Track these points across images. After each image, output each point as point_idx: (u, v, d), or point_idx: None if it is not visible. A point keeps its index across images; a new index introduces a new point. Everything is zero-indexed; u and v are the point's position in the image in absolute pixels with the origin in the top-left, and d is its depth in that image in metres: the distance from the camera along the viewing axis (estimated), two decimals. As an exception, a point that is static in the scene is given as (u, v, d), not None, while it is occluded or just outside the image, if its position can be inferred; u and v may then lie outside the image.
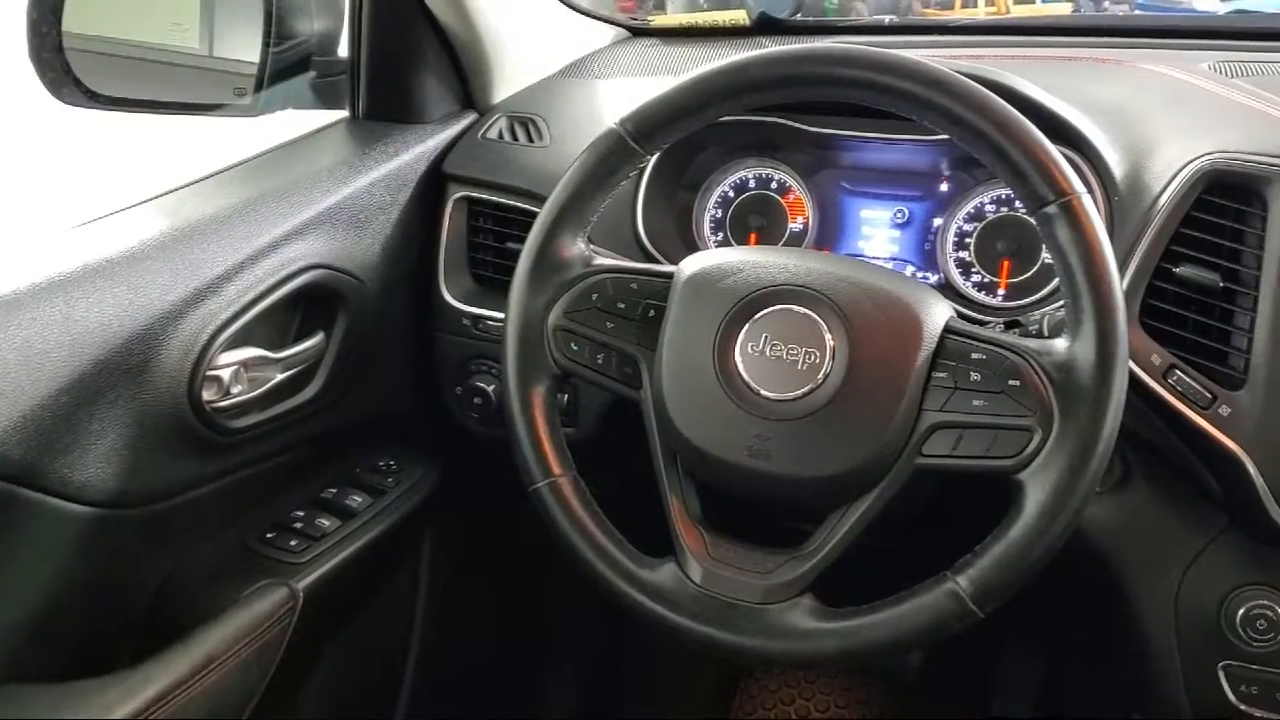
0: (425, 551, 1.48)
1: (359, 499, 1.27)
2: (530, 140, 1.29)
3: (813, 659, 0.88)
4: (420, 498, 1.34)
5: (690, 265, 0.95)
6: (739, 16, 1.49)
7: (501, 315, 0.97)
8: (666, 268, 0.97)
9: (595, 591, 0.93)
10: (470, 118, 1.36)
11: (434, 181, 1.29)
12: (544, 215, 0.96)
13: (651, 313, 0.95)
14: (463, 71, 1.36)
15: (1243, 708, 1.00)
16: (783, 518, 1.11)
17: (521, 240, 0.97)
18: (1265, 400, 0.92)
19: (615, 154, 0.94)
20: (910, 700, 1.74)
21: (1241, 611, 0.98)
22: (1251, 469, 0.92)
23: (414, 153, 1.28)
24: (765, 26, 1.48)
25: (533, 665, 1.72)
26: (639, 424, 0.95)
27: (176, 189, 1.15)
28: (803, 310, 0.90)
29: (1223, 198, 0.96)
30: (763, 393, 0.89)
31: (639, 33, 1.58)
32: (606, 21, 1.57)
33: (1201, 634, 1.00)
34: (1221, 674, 1.00)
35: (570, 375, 0.96)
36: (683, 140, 0.99)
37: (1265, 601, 0.97)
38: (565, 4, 1.50)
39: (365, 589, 1.38)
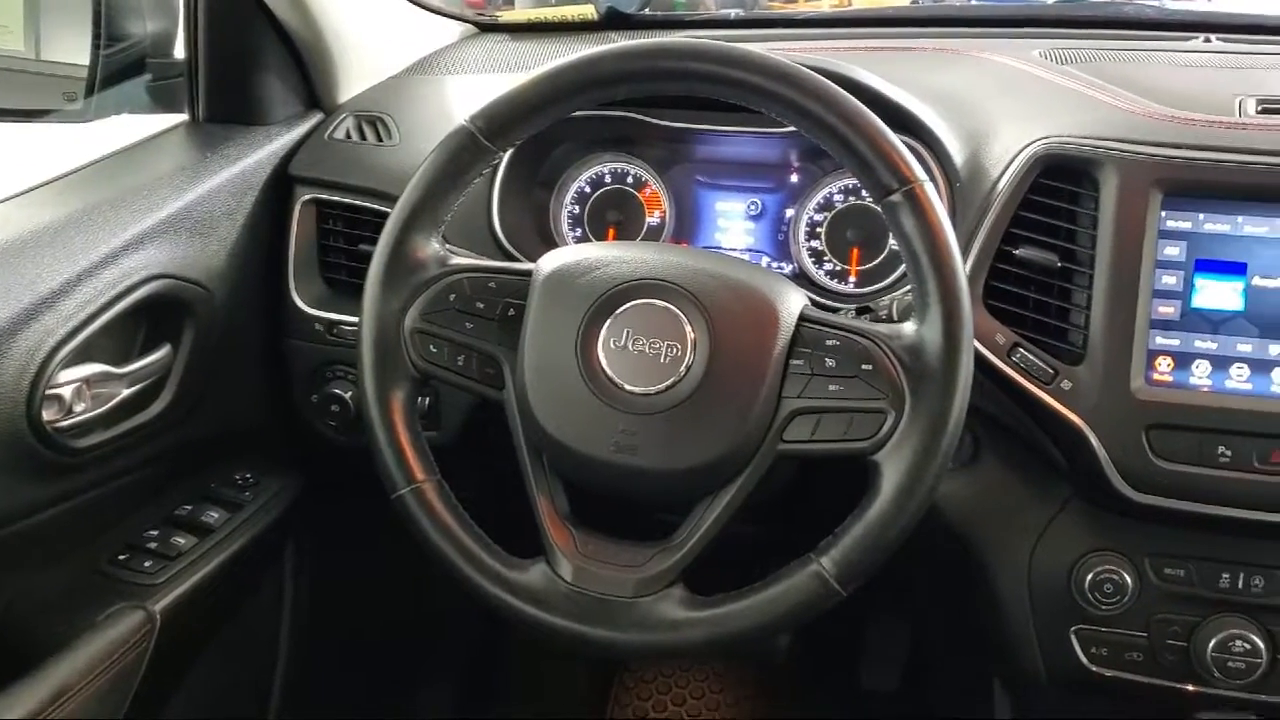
0: (289, 564, 1.44)
1: (216, 515, 1.23)
2: (379, 139, 1.27)
3: (683, 649, 0.89)
4: (281, 510, 1.30)
5: (549, 262, 0.95)
6: (587, 11, 1.48)
7: (356, 320, 0.95)
8: (525, 265, 0.97)
9: (465, 596, 0.92)
10: (316, 118, 1.33)
11: (280, 184, 1.25)
12: (396, 215, 0.94)
13: (511, 311, 0.94)
14: (306, 70, 1.32)
15: (1094, 669, 1.04)
16: (652, 511, 1.12)
17: (374, 242, 0.95)
18: (1103, 373, 0.96)
19: (466, 151, 0.93)
20: (782, 680, 1.78)
21: (1090, 577, 1.02)
22: (1093, 439, 0.96)
23: (258, 155, 1.24)
24: (614, 21, 1.48)
25: (406, 668, 1.70)
26: (504, 424, 0.94)
27: (4, 200, 1.09)
28: (663, 304, 0.91)
29: (1057, 180, 1.00)
30: (626, 387, 0.89)
31: (487, 28, 1.57)
32: (453, 18, 1.55)
33: (1053, 600, 1.04)
34: (1074, 637, 1.05)
35: (430, 378, 0.94)
36: (536, 136, 0.98)
37: (1111, 567, 1.02)
38: (411, 0, 1.47)
39: (227, 607, 1.33)
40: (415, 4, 1.48)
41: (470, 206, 1.14)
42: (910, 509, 0.84)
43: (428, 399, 1.19)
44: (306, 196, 1.25)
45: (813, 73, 0.88)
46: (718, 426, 0.88)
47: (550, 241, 1.25)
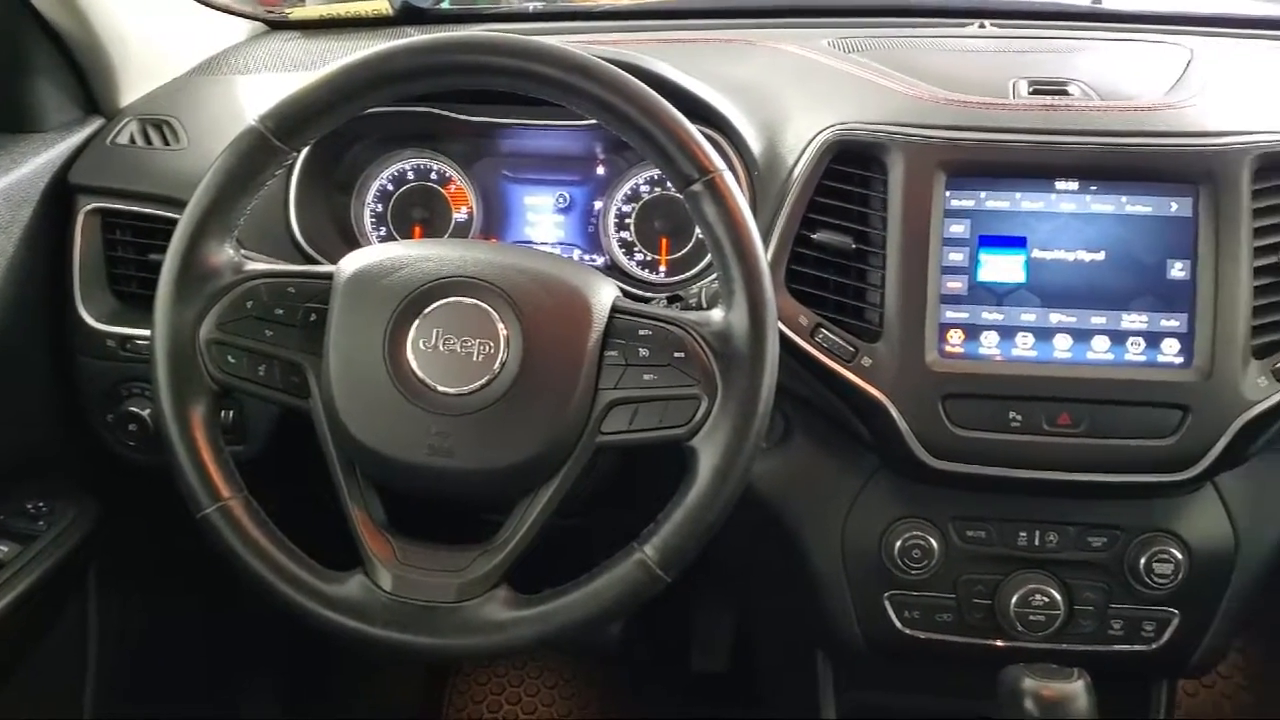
0: (93, 592, 1.36)
1: (6, 548, 1.15)
2: (166, 143, 1.21)
3: (511, 648, 0.89)
4: (79, 537, 1.23)
5: (350, 263, 0.92)
6: (381, 6, 1.45)
7: (149, 333, 0.90)
8: (326, 268, 0.94)
9: (282, 614, 0.89)
10: (96, 123, 1.25)
11: (60, 194, 1.18)
12: (185, 222, 0.90)
13: (313, 316, 0.91)
14: (82, 73, 1.25)
15: (908, 632, 1.09)
16: (473, 512, 1.11)
17: (164, 251, 0.91)
18: (900, 349, 1.00)
19: (257, 152, 0.89)
20: (615, 670, 1.79)
21: (899, 544, 1.07)
22: (894, 412, 1.00)
23: (33, 164, 1.16)
24: (410, 16, 1.45)
25: (232, 679, 1.63)
26: (313, 434, 0.92)
27: None
28: (473, 301, 0.90)
29: (848, 165, 1.04)
30: (439, 389, 0.88)
31: (277, 26, 1.51)
32: (241, 15, 1.49)
33: (866, 568, 1.08)
34: (887, 603, 1.09)
35: (230, 390, 0.91)
36: (333, 134, 0.96)
37: (918, 533, 1.07)
38: (194, -3, 1.41)
39: (25, 642, 1.25)
40: (200, 1, 1.42)
41: (266, 209, 1.10)
42: (727, 491, 0.86)
43: (231, 412, 1.14)
44: (89, 206, 1.18)
45: (610, 65, 0.89)
46: (535, 422, 0.87)
47: (353, 243, 1.22)
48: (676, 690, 1.75)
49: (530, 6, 1.58)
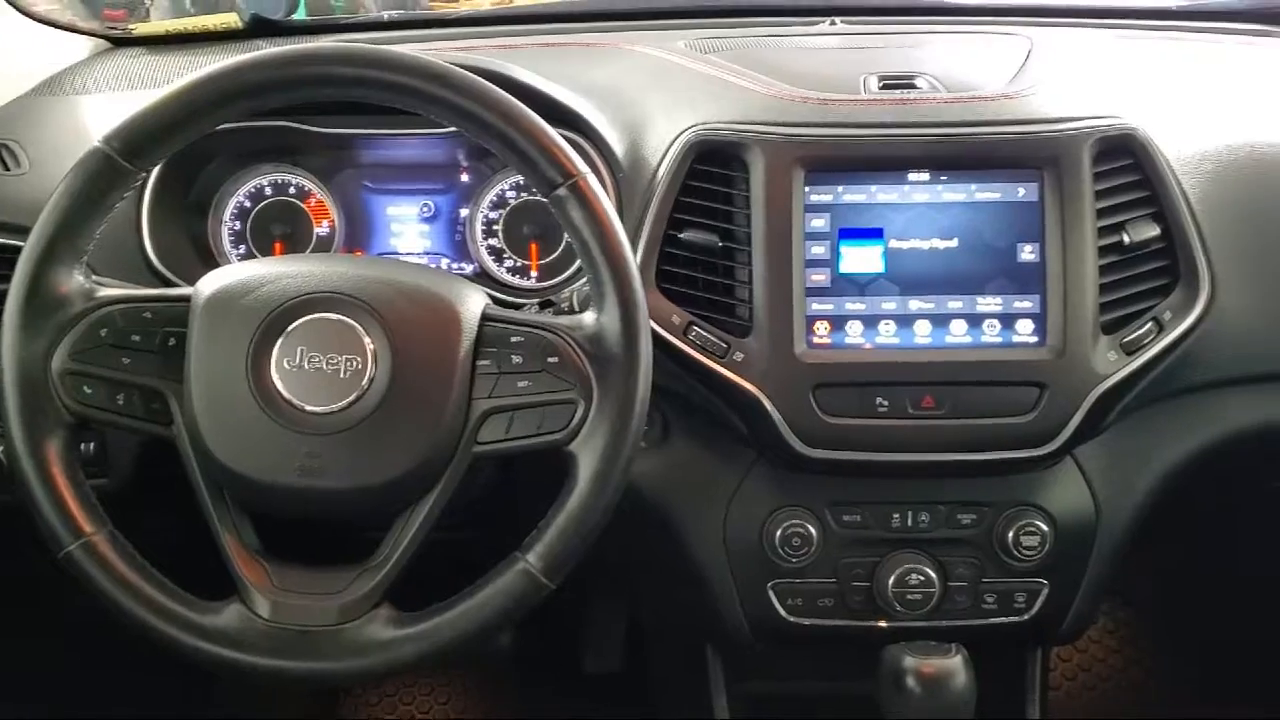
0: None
1: None
2: (6, 168, 1.16)
3: (396, 668, 0.88)
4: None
5: (209, 284, 0.90)
6: (230, 20, 1.41)
7: None
8: (183, 290, 0.91)
9: (155, 649, 0.86)
10: (-71, 150, 1.19)
11: None
12: (30, 249, 0.86)
13: (172, 341, 0.88)
14: (-93, 97, 1.19)
15: (792, 619, 1.11)
16: (351, 531, 1.09)
17: (9, 280, 0.87)
18: (770, 342, 1.02)
19: (103, 174, 0.86)
20: (507, 677, 1.78)
21: (779, 533, 1.08)
22: (767, 404, 1.02)
23: None
24: (260, 28, 1.42)
25: (119, 687, 1.57)
26: (180, 462, 0.89)
27: None
28: (338, 317, 0.88)
29: (711, 165, 1.05)
30: (307, 408, 0.86)
31: (121, 43, 1.46)
32: (82, 32, 1.43)
33: (749, 559, 1.10)
34: (771, 592, 1.11)
35: (88, 422, 0.87)
36: (185, 152, 0.94)
37: (796, 521, 1.09)
38: (26, 14, 1.35)
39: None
40: (35, 19, 1.36)
41: (117, 232, 1.06)
42: (608, 494, 0.86)
43: (91, 444, 1.10)
44: None
45: (467, 72, 0.88)
46: (408, 437, 0.86)
47: (212, 263, 1.19)
48: (569, 693, 1.75)
49: (386, 15, 1.57)
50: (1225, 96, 1.23)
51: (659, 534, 1.13)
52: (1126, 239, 1.03)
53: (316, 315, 0.88)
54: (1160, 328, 1.03)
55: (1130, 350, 1.02)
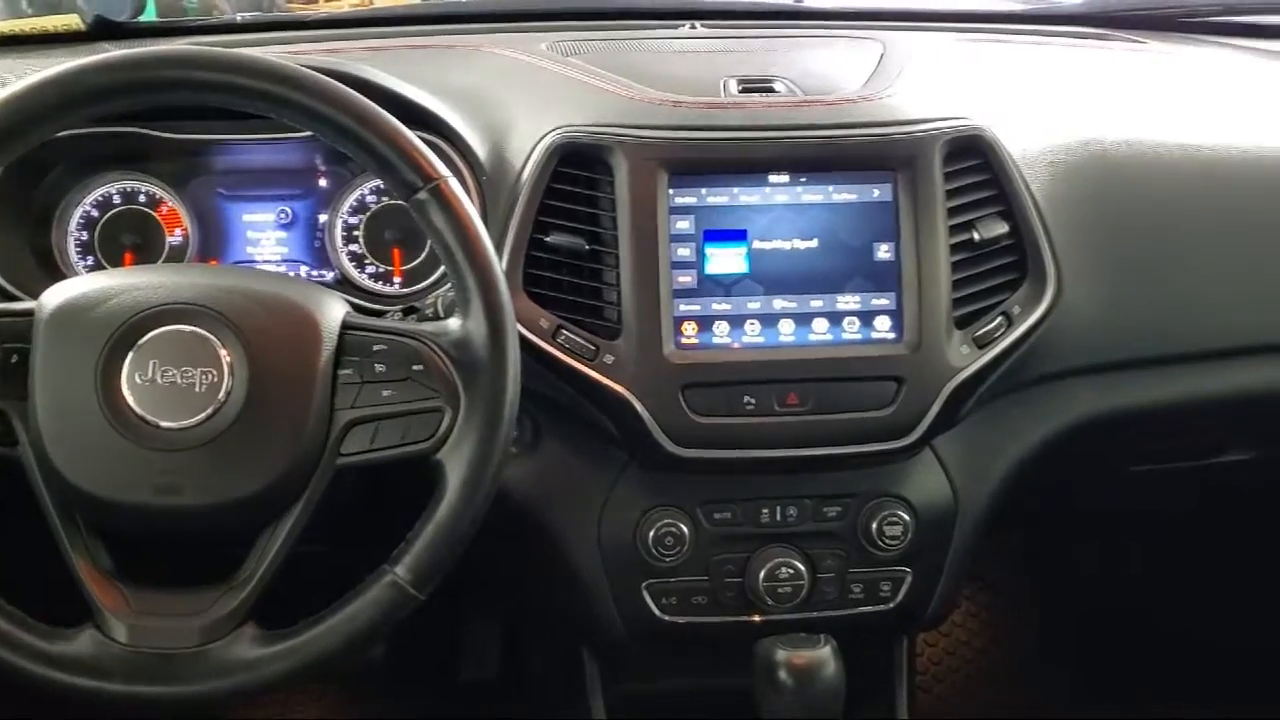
0: None
1: None
2: None
3: (265, 685, 0.86)
4: None
5: (53, 297, 0.86)
6: (72, 21, 1.35)
7: None
8: (25, 304, 0.88)
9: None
10: None
11: None
12: None
13: (14, 358, 0.85)
14: None
15: (667, 618, 1.12)
16: (212, 549, 1.06)
17: None
18: (639, 344, 1.03)
19: None
20: (381, 688, 1.76)
21: (652, 533, 1.09)
22: (637, 405, 1.03)
23: None
24: (105, 30, 1.36)
25: None
26: (25, 484, 0.85)
27: None
28: (191, 329, 0.86)
29: (575, 168, 1.05)
30: (161, 424, 0.84)
31: (-50, 45, 1.39)
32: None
33: (623, 560, 1.10)
34: (645, 592, 1.11)
35: None
36: (24, 159, 0.90)
37: (669, 520, 1.09)
38: None
39: None
40: None
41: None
42: (477, 502, 0.86)
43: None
44: None
45: (320, 75, 0.87)
46: (269, 451, 0.85)
47: (59, 275, 1.13)
48: (447, 701, 1.73)
49: (239, 17, 1.52)
50: (1067, 97, 1.28)
51: (532, 539, 1.13)
52: (977, 236, 1.06)
53: (169, 328, 0.85)
54: (1010, 321, 1.07)
55: (982, 344, 1.06)
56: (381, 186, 1.18)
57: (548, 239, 1.04)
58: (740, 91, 1.13)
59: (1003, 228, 1.07)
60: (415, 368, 0.87)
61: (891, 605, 1.14)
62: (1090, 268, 1.12)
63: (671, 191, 1.05)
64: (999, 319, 1.07)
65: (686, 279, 1.05)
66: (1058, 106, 1.24)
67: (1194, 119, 1.27)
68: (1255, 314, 1.19)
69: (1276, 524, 1.71)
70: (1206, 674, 1.81)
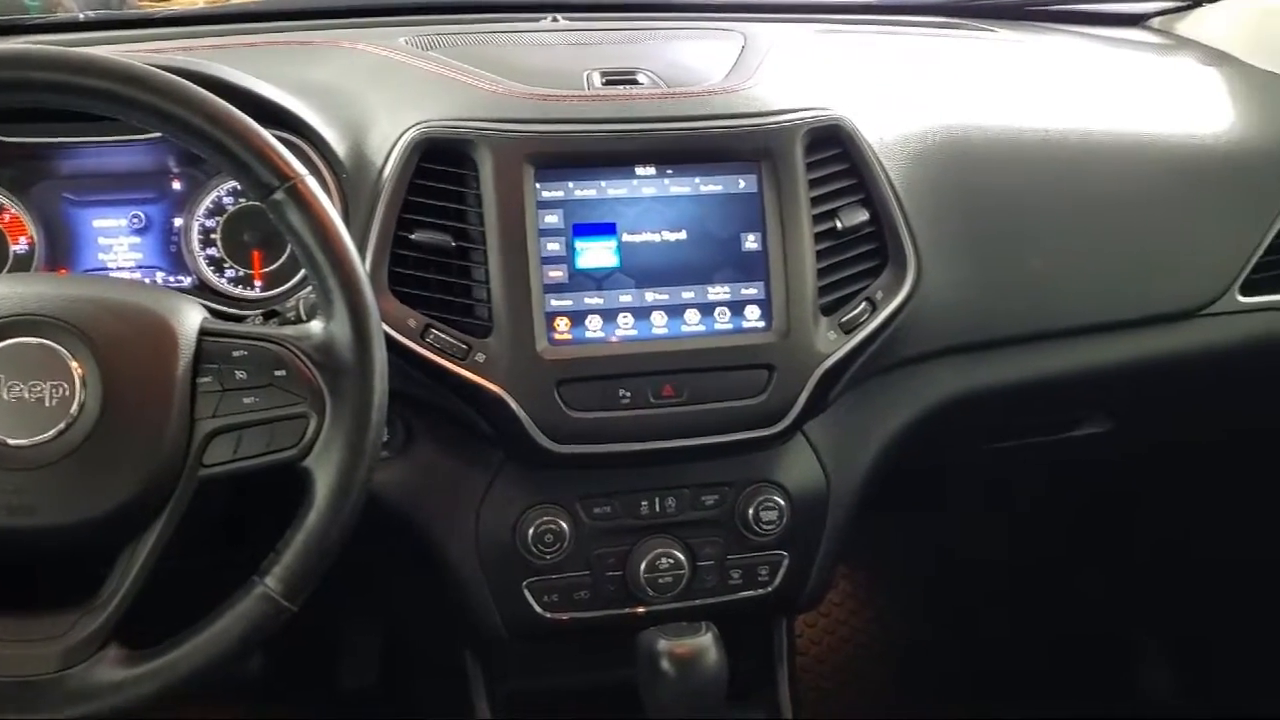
0: None
1: None
2: None
3: (134, 706, 0.83)
4: None
5: None
6: (-101, 19, 1.28)
7: None
8: None
9: None
10: None
11: None
12: None
13: None
14: None
15: (549, 615, 1.11)
16: (72, 569, 1.02)
17: None
18: (511, 341, 1.02)
19: None
20: (260, 700, 1.71)
21: (531, 531, 1.08)
22: (512, 403, 1.02)
23: None
24: (-67, 28, 1.29)
25: None
26: None
27: None
28: (39, 341, 0.82)
29: (438, 164, 1.04)
30: (9, 442, 0.80)
31: None
32: None
33: (503, 560, 1.10)
34: (527, 591, 1.11)
35: None
36: None
37: (548, 517, 1.09)
38: None
39: None
40: None
41: None
42: (347, 508, 0.84)
43: None
44: None
45: (168, 74, 0.84)
46: (126, 465, 0.82)
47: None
48: (328, 710, 1.70)
49: (84, 15, 1.46)
50: (923, 86, 1.32)
51: (409, 542, 1.11)
52: (839, 225, 1.08)
53: (15, 340, 0.81)
54: (874, 307, 1.10)
55: (848, 329, 1.08)
56: (237, 188, 1.14)
57: (413, 237, 1.02)
58: (604, 84, 1.13)
59: (863, 215, 1.09)
60: (278, 373, 0.85)
61: (770, 589, 1.16)
62: (948, 253, 1.16)
63: (538, 186, 1.04)
64: (863, 305, 1.10)
65: (557, 274, 1.05)
66: (914, 96, 1.28)
67: (1043, 104, 1.32)
68: (1105, 292, 1.24)
69: (1132, 496, 1.80)
70: (1070, 643, 1.89)
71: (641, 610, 1.13)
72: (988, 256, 1.19)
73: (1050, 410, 1.41)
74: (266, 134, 0.85)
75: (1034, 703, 1.78)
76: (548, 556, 1.09)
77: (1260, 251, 1.27)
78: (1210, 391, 1.44)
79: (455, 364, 1.02)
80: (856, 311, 1.09)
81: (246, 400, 0.84)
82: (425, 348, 1.01)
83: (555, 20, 1.39)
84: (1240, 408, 1.53)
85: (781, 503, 1.13)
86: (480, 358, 1.02)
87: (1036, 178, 1.25)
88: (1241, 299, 1.27)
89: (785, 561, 1.16)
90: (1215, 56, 1.51)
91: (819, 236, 1.08)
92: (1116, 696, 1.86)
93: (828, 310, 1.08)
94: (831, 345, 1.07)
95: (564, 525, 1.09)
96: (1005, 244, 1.21)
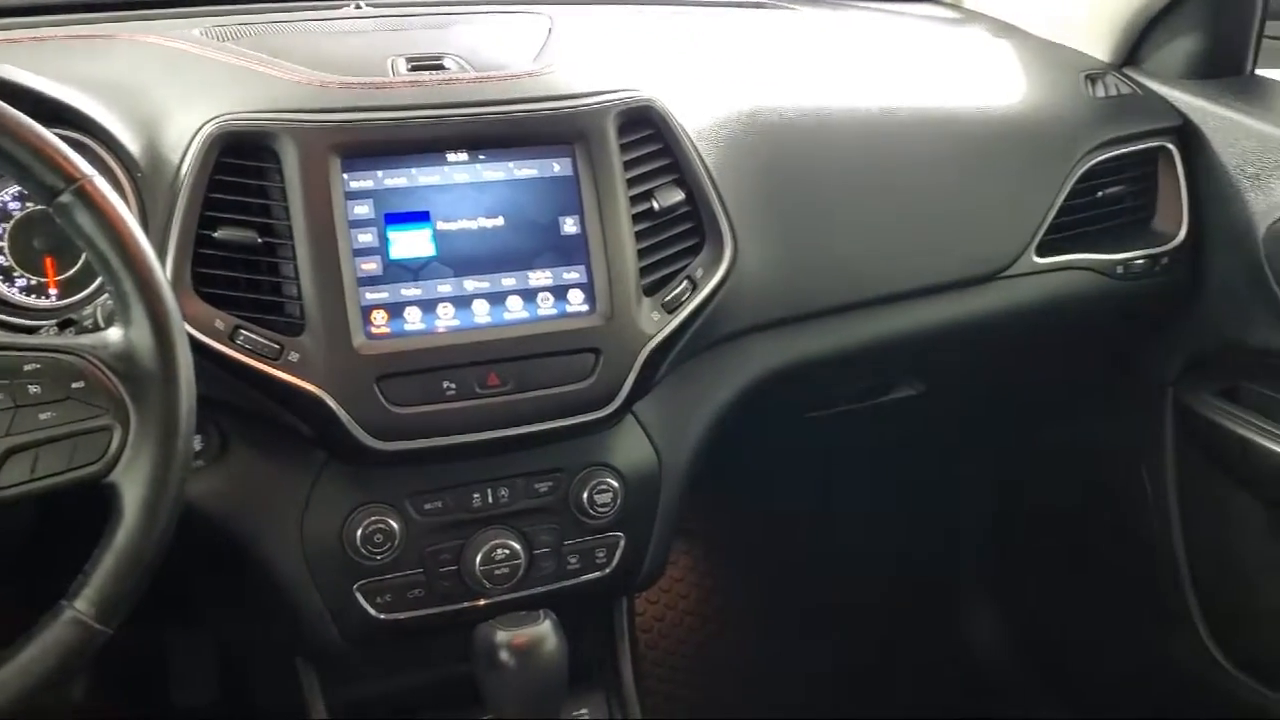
0: None
1: None
2: None
3: None
4: None
5: None
6: None
7: None
8: None
9: None
10: None
11: None
12: None
13: None
14: None
15: (384, 617, 1.09)
16: None
17: None
18: (326, 338, 0.99)
19: None
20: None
21: (359, 532, 1.05)
22: (331, 402, 0.99)
23: None
24: None
25: None
26: None
27: None
28: None
29: (240, 158, 1.00)
30: None
31: None
32: None
33: (332, 564, 1.06)
34: (359, 594, 1.08)
35: None
36: None
37: (377, 517, 1.06)
38: None
39: None
40: None
41: None
42: (159, 523, 0.80)
43: None
44: None
45: None
46: (-92, 491, 0.75)
47: None
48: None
49: None
50: (732, 66, 1.34)
51: (231, 553, 1.07)
52: (656, 205, 1.09)
53: None
54: (694, 285, 1.11)
55: (671, 309, 1.09)
56: (22, 192, 1.07)
57: (216, 235, 0.98)
58: (410, 70, 1.11)
59: (679, 195, 1.10)
60: (75, 385, 0.80)
61: (608, 570, 1.16)
62: (761, 230, 1.18)
63: (346, 176, 1.01)
64: (684, 283, 1.11)
65: (371, 266, 1.02)
66: (724, 76, 1.30)
67: (846, 81, 1.36)
68: (911, 261, 1.29)
69: (951, 452, 1.88)
70: (899, 589, 1.97)
71: (480, 603, 1.12)
72: (799, 232, 1.22)
73: (865, 376, 1.46)
74: (49, 134, 0.80)
75: (868, 650, 1.86)
76: (379, 557, 1.07)
77: (1052, 214, 1.34)
78: (1014, 350, 1.51)
79: (268, 365, 0.98)
80: (678, 290, 1.10)
81: (43, 416, 0.79)
82: (235, 350, 0.97)
83: (358, 7, 1.35)
84: (1042, 364, 1.62)
85: (615, 484, 1.13)
86: (294, 357, 0.99)
87: (842, 153, 1.28)
88: (1038, 260, 1.34)
89: (622, 542, 1.16)
90: (1002, 28, 1.59)
91: (637, 217, 1.08)
92: (942, 639, 1.95)
93: (650, 290, 1.09)
94: (656, 325, 1.08)
95: (394, 524, 1.06)
96: (815, 219, 1.24)
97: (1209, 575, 1.51)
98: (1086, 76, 1.44)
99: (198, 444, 1.02)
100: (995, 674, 1.91)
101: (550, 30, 1.23)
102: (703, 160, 1.13)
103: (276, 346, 0.98)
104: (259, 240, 0.99)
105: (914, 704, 1.87)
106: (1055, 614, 1.83)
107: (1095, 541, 1.70)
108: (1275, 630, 1.43)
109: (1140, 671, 1.65)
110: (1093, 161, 1.37)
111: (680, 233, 1.12)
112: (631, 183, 1.08)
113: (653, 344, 1.08)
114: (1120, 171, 1.40)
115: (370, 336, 1.01)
